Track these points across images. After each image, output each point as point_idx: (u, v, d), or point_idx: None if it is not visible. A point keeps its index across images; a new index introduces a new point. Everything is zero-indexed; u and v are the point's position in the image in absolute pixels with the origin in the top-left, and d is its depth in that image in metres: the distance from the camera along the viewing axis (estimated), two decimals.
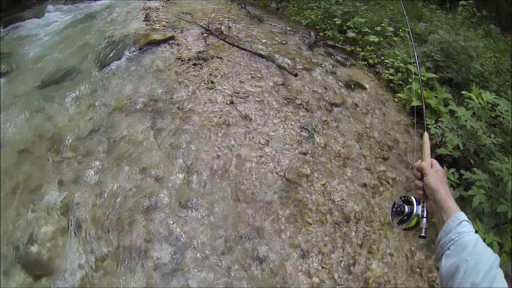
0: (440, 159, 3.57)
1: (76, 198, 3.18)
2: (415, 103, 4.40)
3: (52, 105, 4.30)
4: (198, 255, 2.82)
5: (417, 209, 1.10)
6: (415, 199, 1.13)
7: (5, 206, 3.11)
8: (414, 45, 2.07)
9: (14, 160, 3.59)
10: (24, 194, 3.24)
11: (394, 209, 1.17)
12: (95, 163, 3.49)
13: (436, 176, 1.09)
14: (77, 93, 4.47)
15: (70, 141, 3.77)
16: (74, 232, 2.94)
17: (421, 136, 1.28)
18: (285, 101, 4.18)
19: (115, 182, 3.30)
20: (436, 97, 4.19)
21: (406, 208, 1.12)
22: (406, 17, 2.10)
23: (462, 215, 0.98)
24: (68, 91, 4.51)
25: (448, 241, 0.94)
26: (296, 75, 4.50)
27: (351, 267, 2.89)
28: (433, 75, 4.47)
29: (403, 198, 1.16)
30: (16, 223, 3.00)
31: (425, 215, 1.09)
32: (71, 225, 2.98)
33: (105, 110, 4.13)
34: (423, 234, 1.09)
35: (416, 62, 1.77)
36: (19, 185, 3.32)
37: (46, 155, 3.63)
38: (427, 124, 3.55)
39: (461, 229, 0.94)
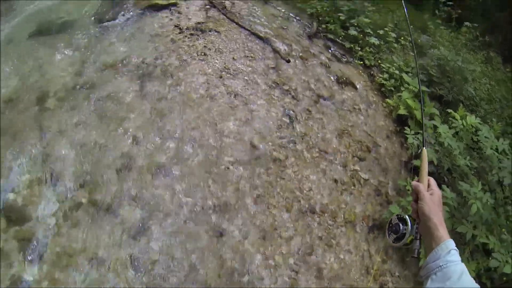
0: (414, 171, 3.62)
1: (56, 149, 3.23)
2: (402, 111, 4.42)
3: (44, 55, 4.24)
4: (164, 219, 2.88)
5: (412, 229, 1.13)
6: (409, 219, 1.15)
7: None
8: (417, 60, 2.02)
9: None
10: (6, 141, 3.25)
11: (390, 226, 1.20)
12: (78, 118, 3.50)
13: (431, 201, 1.09)
14: (71, 46, 4.42)
15: (57, 93, 3.75)
16: (50, 182, 3.00)
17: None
18: (273, 85, 4.12)
19: (95, 138, 3.33)
20: (424, 110, 4.21)
21: (401, 228, 1.15)
22: (410, 27, 2.07)
23: (451, 244, 1.02)
24: (62, 42, 4.45)
25: (435, 266, 0.97)
26: (288, 61, 4.45)
27: (307, 257, 2.92)
28: (425, 89, 4.48)
29: (398, 216, 1.19)
30: None
31: (418, 237, 1.13)
32: (48, 175, 3.03)
33: (96, 66, 4.10)
34: (415, 255, 1.13)
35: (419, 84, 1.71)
36: (1, 132, 3.31)
37: (32, 104, 3.61)
38: (408, 135, 3.57)
39: (450, 257, 0.98)
